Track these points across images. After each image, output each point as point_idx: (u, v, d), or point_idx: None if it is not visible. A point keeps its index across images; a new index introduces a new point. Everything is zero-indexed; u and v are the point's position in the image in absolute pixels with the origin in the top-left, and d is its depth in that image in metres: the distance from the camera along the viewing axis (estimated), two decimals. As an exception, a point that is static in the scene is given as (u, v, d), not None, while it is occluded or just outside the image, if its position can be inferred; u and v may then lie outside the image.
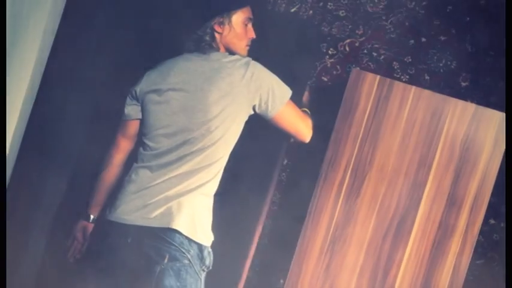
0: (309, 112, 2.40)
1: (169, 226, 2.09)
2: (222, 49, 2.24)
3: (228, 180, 2.28)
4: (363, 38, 2.66)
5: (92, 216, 2.30)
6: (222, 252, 2.29)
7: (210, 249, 2.21)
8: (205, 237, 2.17)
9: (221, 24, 2.21)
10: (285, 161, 2.72)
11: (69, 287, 2.18)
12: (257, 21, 2.43)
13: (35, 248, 2.28)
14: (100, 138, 2.25)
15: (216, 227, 2.21)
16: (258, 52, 2.31)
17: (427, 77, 2.60)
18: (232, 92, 2.13)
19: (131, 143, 2.29)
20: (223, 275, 2.37)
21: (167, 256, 2.09)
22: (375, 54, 2.65)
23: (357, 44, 2.67)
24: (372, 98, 2.28)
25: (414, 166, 2.26)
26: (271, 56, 2.40)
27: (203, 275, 2.19)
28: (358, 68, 2.40)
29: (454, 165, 2.25)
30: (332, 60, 2.68)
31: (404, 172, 2.27)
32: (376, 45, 2.65)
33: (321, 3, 2.68)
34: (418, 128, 2.26)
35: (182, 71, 2.17)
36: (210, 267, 2.21)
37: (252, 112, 2.21)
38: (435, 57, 2.60)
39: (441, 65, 2.60)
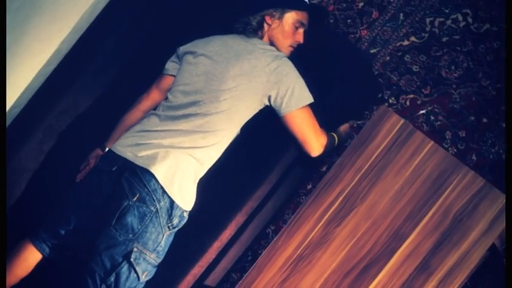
0: (335, 137, 2.43)
1: (148, 168, 2.19)
2: (265, 39, 2.38)
3: (228, 165, 2.37)
4: (427, 99, 2.65)
5: (107, 148, 2.45)
6: (197, 224, 2.37)
7: (185, 214, 2.26)
8: (181, 197, 2.22)
9: (272, 16, 2.36)
10: (309, 186, 2.76)
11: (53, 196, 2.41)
12: (335, 49, 2.55)
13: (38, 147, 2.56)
14: (136, 81, 2.49)
15: (203, 200, 2.30)
16: (322, 74, 2.42)
17: (474, 157, 2.52)
18: (251, 75, 2.25)
19: (161, 95, 2.49)
20: (191, 247, 2.44)
21: (137, 195, 2.16)
22: (432, 117, 2.62)
23: (418, 102, 2.66)
24: (389, 137, 2.27)
25: (402, 217, 2.20)
26: (333, 82, 2.49)
27: (168, 233, 2.23)
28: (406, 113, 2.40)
29: (440, 231, 2.14)
30: (389, 108, 2.69)
31: (391, 219, 2.21)
32: (437, 110, 2.63)
33: (400, 53, 2.73)
34: (421, 182, 2.20)
35: (220, 44, 2.36)
36: (176, 229, 2.27)
37: (267, 102, 2.30)
38: (489, 141, 2.51)
39: (493, 150, 2.50)
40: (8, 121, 2.42)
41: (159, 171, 2.19)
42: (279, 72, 2.25)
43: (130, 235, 2.16)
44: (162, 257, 2.29)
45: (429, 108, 2.62)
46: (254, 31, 2.36)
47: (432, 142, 2.23)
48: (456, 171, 2.17)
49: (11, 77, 2.29)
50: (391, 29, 2.76)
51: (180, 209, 2.23)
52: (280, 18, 2.36)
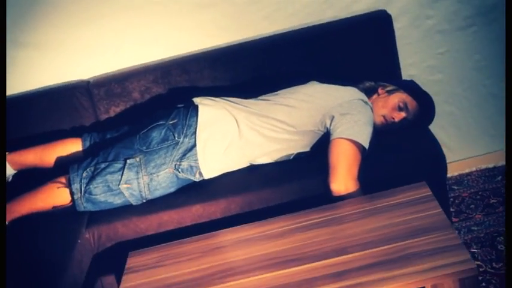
0: None
1: (198, 105, 2.45)
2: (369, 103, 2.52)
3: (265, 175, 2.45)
4: (494, 271, 2.36)
5: None
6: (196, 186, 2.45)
7: (197, 173, 2.39)
8: (203, 149, 2.37)
9: (384, 88, 2.54)
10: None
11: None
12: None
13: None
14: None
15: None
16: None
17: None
18: (330, 94, 2.42)
19: None
20: (176, 200, 2.42)
21: (175, 121, 2.42)
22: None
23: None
24: (406, 198, 2.11)
25: (358, 241, 1.94)
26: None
27: (171, 170, 2.35)
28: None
29: (381, 259, 1.85)
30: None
31: (346, 240, 1.97)
32: (494, 281, 2.30)
33: (496, 234, 2.53)
34: (402, 227, 1.96)
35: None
36: (181, 175, 2.38)
37: (328, 125, 2.33)
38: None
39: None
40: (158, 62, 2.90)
41: (204, 113, 2.43)
42: (353, 107, 2.32)
43: (144, 147, 2.38)
44: (151, 194, 2.38)
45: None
46: (364, 91, 2.50)
47: (440, 209, 2.02)
48: (441, 230, 1.91)
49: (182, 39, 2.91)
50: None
51: (196, 160, 2.36)
52: (390, 92, 2.49)
